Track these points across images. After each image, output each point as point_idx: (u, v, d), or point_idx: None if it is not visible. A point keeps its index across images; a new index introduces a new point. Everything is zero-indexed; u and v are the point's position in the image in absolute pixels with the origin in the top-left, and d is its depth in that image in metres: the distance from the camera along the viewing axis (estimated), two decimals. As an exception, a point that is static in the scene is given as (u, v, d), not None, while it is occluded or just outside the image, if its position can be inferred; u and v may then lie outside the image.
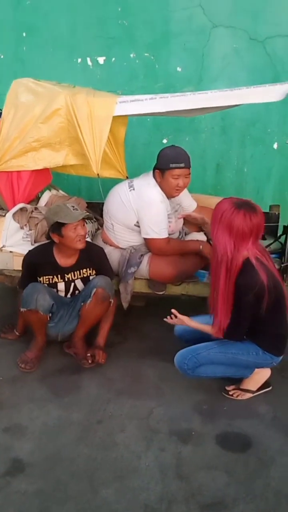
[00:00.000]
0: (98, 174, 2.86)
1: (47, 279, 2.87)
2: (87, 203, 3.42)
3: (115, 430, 2.38)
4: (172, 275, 2.95)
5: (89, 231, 3.15)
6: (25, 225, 3.08)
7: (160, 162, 2.84)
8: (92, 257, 2.91)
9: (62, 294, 2.95)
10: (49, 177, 3.27)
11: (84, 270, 2.91)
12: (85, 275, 2.92)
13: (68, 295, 2.97)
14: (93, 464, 2.17)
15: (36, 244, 3.02)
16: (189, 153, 2.84)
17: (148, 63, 4.19)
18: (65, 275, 2.89)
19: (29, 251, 2.91)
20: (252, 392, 2.61)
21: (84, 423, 2.43)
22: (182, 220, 3.13)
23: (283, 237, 3.06)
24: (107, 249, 3.05)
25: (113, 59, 4.22)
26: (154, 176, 2.89)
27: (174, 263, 2.93)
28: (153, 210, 2.85)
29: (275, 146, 4.24)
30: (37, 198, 3.33)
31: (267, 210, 3.54)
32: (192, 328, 2.58)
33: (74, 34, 4.22)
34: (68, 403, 2.59)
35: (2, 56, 4.40)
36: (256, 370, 2.57)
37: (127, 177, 3.60)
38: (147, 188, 2.87)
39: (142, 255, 2.98)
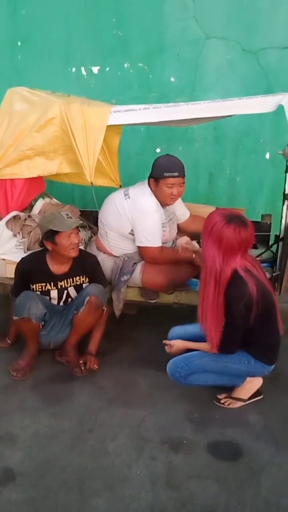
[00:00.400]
0: (91, 183, 2.88)
1: (40, 287, 2.87)
2: (80, 211, 3.43)
3: (106, 439, 2.38)
4: (164, 283, 2.97)
5: (82, 239, 3.15)
6: (18, 233, 3.09)
7: (154, 171, 2.87)
8: (86, 265, 2.92)
9: (55, 301, 2.95)
10: (42, 185, 3.29)
11: (77, 277, 2.92)
12: (78, 283, 2.93)
13: (61, 303, 2.97)
14: (84, 473, 2.17)
15: (29, 252, 3.03)
16: (182, 162, 2.86)
17: (142, 73, 4.22)
18: (58, 282, 2.89)
19: (22, 258, 2.91)
20: (244, 400, 2.62)
21: (75, 432, 2.43)
22: (176, 229, 3.15)
23: (275, 246, 3.08)
24: (101, 257, 3.06)
25: (108, 68, 4.25)
26: (149, 185, 2.91)
27: (167, 272, 2.95)
28: (148, 219, 2.87)
29: (267, 156, 4.27)
30: (31, 206, 3.34)
31: (259, 220, 3.58)
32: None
33: (69, 44, 4.25)
34: (60, 411, 2.58)
35: (-3, 65, 4.42)
36: (248, 378, 2.58)
37: (120, 186, 3.62)
38: (142, 197, 2.89)
39: (135, 263, 2.99)
